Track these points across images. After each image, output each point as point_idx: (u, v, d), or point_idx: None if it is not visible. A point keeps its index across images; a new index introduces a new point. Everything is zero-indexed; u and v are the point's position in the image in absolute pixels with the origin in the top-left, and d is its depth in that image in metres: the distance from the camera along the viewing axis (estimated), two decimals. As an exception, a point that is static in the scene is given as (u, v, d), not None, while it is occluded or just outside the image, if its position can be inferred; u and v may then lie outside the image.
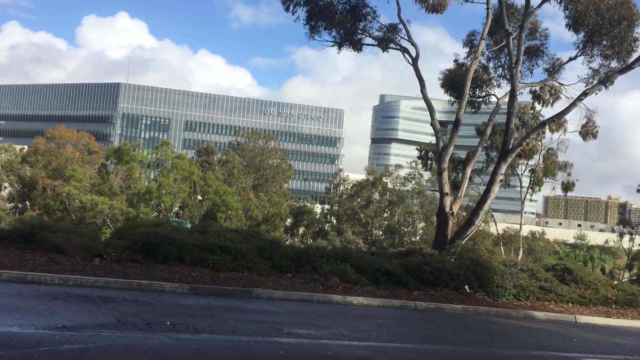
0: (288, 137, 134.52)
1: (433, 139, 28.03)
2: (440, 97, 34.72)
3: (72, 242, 12.60)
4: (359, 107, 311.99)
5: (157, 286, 11.63)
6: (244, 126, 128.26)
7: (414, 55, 25.59)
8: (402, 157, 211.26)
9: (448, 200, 22.10)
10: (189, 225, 57.10)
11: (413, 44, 25.67)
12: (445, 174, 22.57)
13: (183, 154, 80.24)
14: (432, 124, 23.66)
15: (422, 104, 27.51)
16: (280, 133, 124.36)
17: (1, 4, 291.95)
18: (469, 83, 23.49)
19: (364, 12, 27.74)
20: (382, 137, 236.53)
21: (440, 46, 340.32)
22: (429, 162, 41.81)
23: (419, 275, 16.03)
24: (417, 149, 41.85)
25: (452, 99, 29.16)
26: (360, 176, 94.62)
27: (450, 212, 21.86)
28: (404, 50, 26.51)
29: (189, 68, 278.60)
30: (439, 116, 25.87)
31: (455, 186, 35.95)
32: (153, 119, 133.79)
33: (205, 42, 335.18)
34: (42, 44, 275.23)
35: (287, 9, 27.98)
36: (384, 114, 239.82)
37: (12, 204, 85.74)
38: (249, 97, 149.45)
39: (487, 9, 24.96)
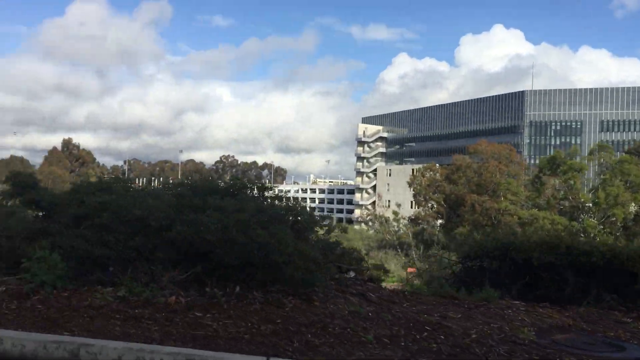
0: None
1: None
2: None
3: None
4: None
5: None
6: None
7: None
8: None
9: None
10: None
11: None
12: None
13: (628, 157, 69.22)
14: None
15: None
16: None
17: (390, 39, 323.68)
18: None
19: None
20: None
21: None
22: None
23: None
24: None
25: None
26: None
27: None
28: None
29: (571, 68, 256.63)
30: None
31: None
32: (563, 123, 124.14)
33: (586, 38, 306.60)
34: (426, 69, 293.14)
35: None
36: None
37: (441, 221, 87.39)
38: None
39: None
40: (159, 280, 7.37)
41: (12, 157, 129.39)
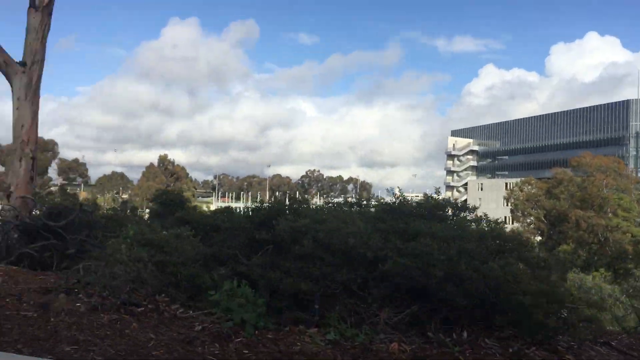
0: None
1: None
2: None
3: None
4: None
5: None
6: None
7: None
8: None
9: None
10: None
11: None
12: None
13: None
14: None
15: None
16: None
17: (476, 51, 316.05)
18: None
19: None
20: None
21: None
22: None
23: None
24: None
25: None
26: None
27: None
28: None
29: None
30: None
31: None
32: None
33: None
34: (515, 80, 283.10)
35: None
36: None
37: (541, 237, 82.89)
38: None
39: None
40: (371, 321, 6.23)
41: (114, 173, 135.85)
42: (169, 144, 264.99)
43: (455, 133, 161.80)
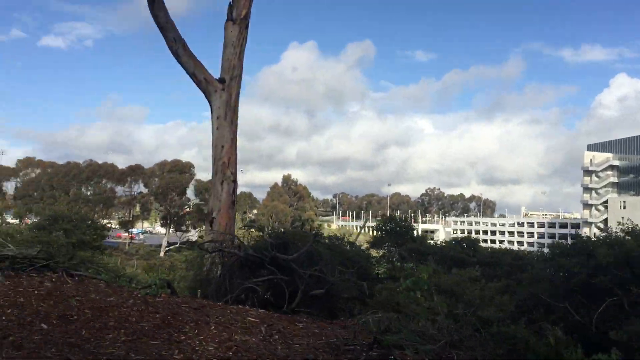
0: None
1: None
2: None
3: None
4: None
5: None
6: None
7: None
8: None
9: None
10: None
11: None
12: None
13: None
14: None
15: None
16: None
17: (606, 60, 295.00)
18: None
19: None
20: None
21: None
22: None
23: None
24: None
25: None
26: None
27: None
28: None
29: None
30: None
31: None
32: None
33: None
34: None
35: None
36: None
37: None
38: None
39: None
40: None
41: (242, 193, 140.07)
42: (288, 164, 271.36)
43: (591, 147, 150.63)
